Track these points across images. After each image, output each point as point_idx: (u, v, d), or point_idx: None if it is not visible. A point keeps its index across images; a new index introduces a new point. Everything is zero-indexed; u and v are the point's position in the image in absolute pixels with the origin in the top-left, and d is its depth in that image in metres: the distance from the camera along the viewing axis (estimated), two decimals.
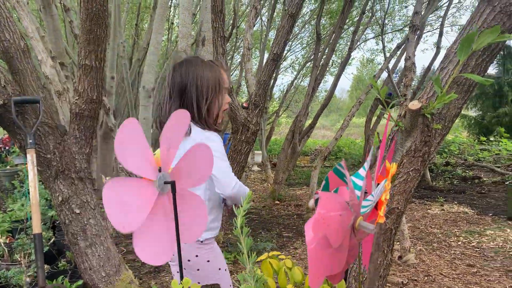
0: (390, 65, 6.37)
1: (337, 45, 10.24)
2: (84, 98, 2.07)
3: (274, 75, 3.21)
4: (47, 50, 3.94)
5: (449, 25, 10.87)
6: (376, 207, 0.93)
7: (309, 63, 11.14)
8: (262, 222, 5.35)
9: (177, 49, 4.41)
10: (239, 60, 11.76)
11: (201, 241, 1.58)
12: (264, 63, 4.04)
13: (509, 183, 5.13)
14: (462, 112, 1.63)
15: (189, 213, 1.00)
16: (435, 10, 8.47)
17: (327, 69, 10.41)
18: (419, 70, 13.43)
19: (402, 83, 4.32)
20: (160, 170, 0.96)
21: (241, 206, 0.97)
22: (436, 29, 10.36)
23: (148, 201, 0.92)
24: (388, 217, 1.53)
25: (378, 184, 0.93)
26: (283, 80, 71.78)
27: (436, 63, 7.61)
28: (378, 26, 9.21)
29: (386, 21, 9.63)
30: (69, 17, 4.82)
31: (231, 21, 6.41)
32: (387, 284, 2.85)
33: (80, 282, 2.46)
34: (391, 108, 1.53)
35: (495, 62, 12.72)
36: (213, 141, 1.54)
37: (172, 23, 10.41)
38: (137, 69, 8.19)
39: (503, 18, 1.40)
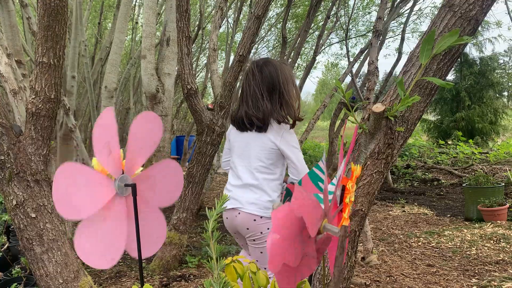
0: (354, 69, 6.48)
1: (303, 48, 10.36)
2: (41, 97, 1.98)
3: (239, 76, 3.20)
4: (3, 48, 3.77)
5: (410, 31, 11.20)
6: (341, 209, 0.93)
7: None
8: None
9: (141, 48, 4.32)
10: (205, 61, 11.69)
11: (268, 217, 1.83)
12: (230, 65, 4.02)
13: (465, 185, 5.31)
14: (422, 116, 1.67)
15: (148, 228, 0.98)
16: (397, 17, 8.71)
17: (293, 72, 10.48)
18: (381, 75, 13.78)
19: (365, 87, 4.40)
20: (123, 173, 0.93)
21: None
22: (398, 35, 10.68)
23: (101, 196, 0.88)
24: (352, 219, 1.54)
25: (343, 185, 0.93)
26: None
27: (398, 69, 7.82)
28: (343, 31, 9.38)
29: (350, 26, 9.82)
30: (27, 13, 4.64)
31: (197, 22, 6.36)
32: (351, 286, 2.88)
33: None
34: (355, 111, 1.54)
35: (453, 68, 13.19)
36: (292, 134, 1.84)
37: (137, 23, 10.24)
38: (100, 69, 7.99)
39: (463, 23, 1.43)
